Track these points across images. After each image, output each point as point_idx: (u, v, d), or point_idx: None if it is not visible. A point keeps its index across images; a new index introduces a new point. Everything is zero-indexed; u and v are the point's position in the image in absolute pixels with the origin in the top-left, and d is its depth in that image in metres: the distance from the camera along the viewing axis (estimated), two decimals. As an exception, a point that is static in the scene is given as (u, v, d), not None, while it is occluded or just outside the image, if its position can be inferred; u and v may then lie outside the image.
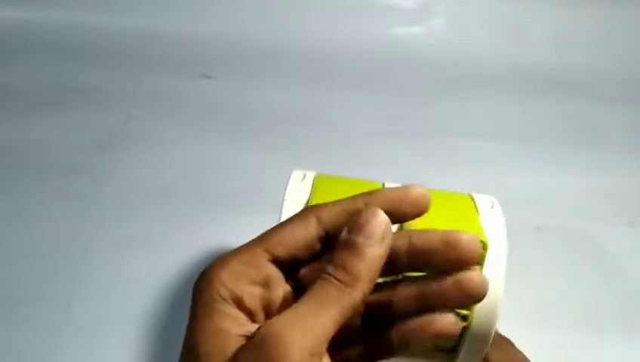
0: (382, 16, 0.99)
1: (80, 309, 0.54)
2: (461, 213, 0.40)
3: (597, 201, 0.71)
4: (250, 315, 0.25)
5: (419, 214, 0.27)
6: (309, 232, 0.26)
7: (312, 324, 0.23)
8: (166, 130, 0.77)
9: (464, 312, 0.36)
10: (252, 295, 0.25)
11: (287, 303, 0.26)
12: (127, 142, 0.74)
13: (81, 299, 0.55)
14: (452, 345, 0.39)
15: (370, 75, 0.92)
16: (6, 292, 0.55)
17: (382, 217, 0.25)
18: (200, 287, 0.25)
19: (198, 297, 0.25)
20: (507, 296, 0.37)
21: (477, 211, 0.40)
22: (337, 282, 0.24)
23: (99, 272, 0.58)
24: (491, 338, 0.38)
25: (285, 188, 0.41)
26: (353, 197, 0.27)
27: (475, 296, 0.26)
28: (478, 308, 0.37)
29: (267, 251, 0.26)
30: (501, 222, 0.40)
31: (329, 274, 0.24)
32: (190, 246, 0.60)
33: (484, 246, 0.36)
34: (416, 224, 0.36)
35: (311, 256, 0.27)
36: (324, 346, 0.23)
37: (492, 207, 0.41)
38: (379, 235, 0.25)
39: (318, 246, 0.27)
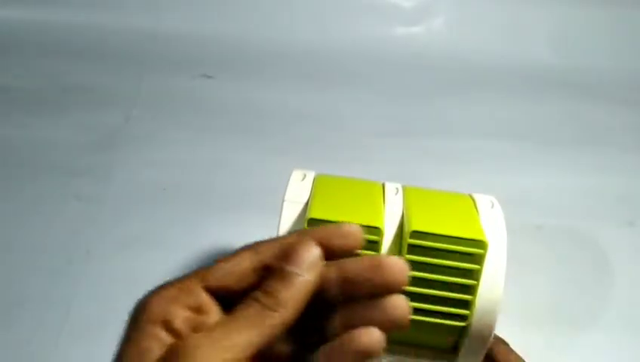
0: (382, 16, 0.99)
1: (80, 309, 0.54)
2: (461, 213, 0.40)
3: (597, 201, 0.71)
4: (179, 337, 0.26)
5: (350, 249, 0.28)
6: (242, 263, 0.27)
7: (224, 341, 0.24)
8: (166, 130, 0.77)
9: (464, 312, 0.36)
10: (182, 318, 0.26)
11: None
12: (127, 142, 0.74)
13: (81, 299, 0.55)
14: (452, 344, 0.39)
15: (370, 75, 0.93)
16: (6, 293, 0.55)
17: (311, 247, 0.26)
18: (133, 313, 0.26)
19: (129, 322, 0.26)
20: (507, 295, 0.37)
21: (477, 211, 0.40)
22: (259, 305, 0.25)
23: (99, 272, 0.58)
24: (491, 338, 0.38)
25: (285, 188, 0.41)
26: (290, 233, 0.29)
27: (399, 322, 0.27)
28: (478, 307, 0.37)
29: (201, 279, 0.27)
30: (501, 222, 0.40)
31: (254, 299, 0.26)
32: (190, 246, 0.60)
33: (484, 246, 0.36)
34: (416, 225, 0.37)
35: (248, 286, 0.27)
36: None
37: (492, 207, 0.41)
38: (306, 264, 0.26)
39: (252, 277, 0.27)
